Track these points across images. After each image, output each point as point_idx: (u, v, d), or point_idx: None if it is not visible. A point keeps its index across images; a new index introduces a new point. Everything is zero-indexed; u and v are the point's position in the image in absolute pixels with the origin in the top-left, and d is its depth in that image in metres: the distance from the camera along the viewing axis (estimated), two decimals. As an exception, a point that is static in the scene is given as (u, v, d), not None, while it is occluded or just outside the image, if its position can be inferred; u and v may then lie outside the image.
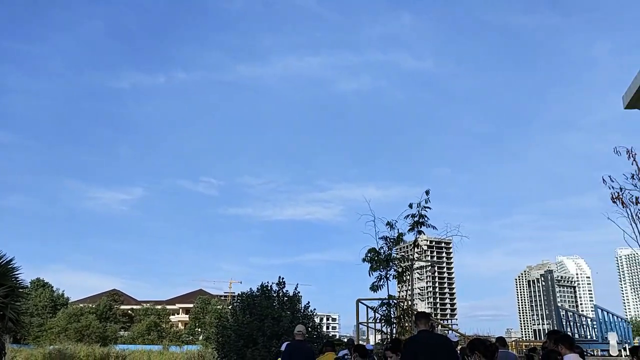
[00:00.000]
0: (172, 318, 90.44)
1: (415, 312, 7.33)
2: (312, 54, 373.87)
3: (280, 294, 19.51)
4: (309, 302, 20.28)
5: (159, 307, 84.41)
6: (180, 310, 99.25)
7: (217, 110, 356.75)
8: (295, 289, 20.41)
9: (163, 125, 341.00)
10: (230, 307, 27.32)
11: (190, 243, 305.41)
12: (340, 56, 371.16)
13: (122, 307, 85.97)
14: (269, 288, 19.51)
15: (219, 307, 70.21)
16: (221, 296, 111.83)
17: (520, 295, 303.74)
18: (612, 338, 25.20)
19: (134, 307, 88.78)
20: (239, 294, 21.26)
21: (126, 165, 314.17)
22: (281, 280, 19.88)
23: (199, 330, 72.01)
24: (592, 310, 30.43)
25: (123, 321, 79.83)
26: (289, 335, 15.75)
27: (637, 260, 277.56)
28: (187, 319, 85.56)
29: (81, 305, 76.62)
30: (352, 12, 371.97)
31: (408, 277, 12.09)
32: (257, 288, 19.55)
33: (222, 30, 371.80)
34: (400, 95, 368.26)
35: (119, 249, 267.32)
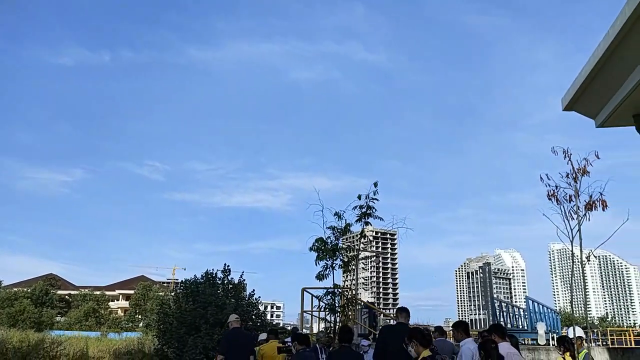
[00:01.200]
0: (112, 304, 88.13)
1: (399, 307, 7.93)
2: (266, 40, 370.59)
3: (225, 282, 19.37)
4: (253, 290, 20.29)
5: (98, 292, 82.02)
6: (120, 296, 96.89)
7: (165, 92, 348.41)
8: (241, 276, 20.35)
9: (107, 105, 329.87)
10: (173, 294, 26.90)
11: (133, 228, 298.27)
12: (294, 44, 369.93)
13: (60, 292, 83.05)
14: (214, 275, 19.33)
15: (161, 293, 68.96)
16: (164, 283, 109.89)
17: (460, 286, 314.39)
18: (541, 328, 26.48)
19: (72, 292, 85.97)
20: (182, 280, 20.96)
21: (66, 145, 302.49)
22: (226, 268, 19.75)
23: (140, 317, 70.56)
24: (524, 301, 31.96)
25: (60, 306, 77.13)
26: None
27: (567, 255, 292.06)
28: (127, 306, 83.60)
29: (15, 289, 73.42)
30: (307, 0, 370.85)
31: (353, 267, 12.29)
32: (202, 275, 19.34)
33: (172, 9, 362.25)
34: (353, 87, 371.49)
35: (57, 232, 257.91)
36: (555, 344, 9.53)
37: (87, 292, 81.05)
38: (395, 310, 7.99)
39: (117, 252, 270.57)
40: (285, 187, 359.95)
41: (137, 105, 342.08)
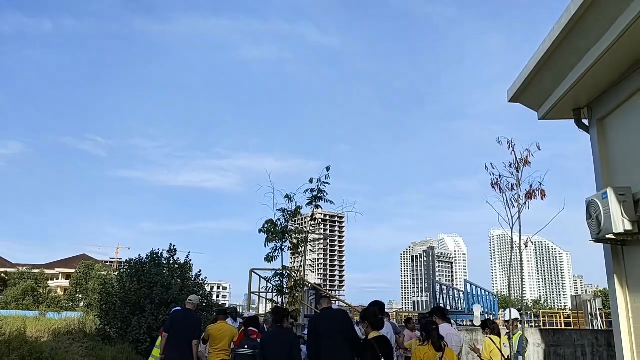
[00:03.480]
0: (51, 283, 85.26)
1: (320, 294, 8.21)
2: (216, 15, 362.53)
3: (171, 262, 19.10)
4: (200, 271, 20.13)
5: (37, 271, 79.10)
6: (60, 275, 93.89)
7: (108, 64, 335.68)
8: (187, 256, 20.12)
9: (46, 75, 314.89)
10: (116, 273, 26.31)
11: (74, 205, 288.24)
12: (245, 21, 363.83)
13: (-6, 270, 79.70)
14: (159, 255, 19.02)
15: (103, 273, 67.19)
16: (106, 262, 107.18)
17: (404, 269, 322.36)
18: (477, 310, 27.57)
19: (9, 270, 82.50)
20: (126, 260, 20.51)
21: (2, 116, 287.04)
22: (172, 248, 19.46)
23: (80, 296, 68.64)
24: (464, 285, 33.17)
25: (-5, 285, 74.08)
26: (178, 303, 15.58)
27: (507, 241, 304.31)
28: (68, 285, 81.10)
29: (-55, 267, 69.87)
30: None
31: (302, 249, 12.38)
32: (147, 255, 18.99)
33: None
34: (304, 69, 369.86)
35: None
36: (481, 328, 10.18)
37: (25, 270, 78.01)
38: (319, 300, 8.38)
39: (58, 229, 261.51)
40: (235, 168, 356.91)
41: (78, 76, 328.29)
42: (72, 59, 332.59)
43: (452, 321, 8.46)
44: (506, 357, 9.03)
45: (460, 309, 31.82)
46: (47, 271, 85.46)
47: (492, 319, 10.31)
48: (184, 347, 8.74)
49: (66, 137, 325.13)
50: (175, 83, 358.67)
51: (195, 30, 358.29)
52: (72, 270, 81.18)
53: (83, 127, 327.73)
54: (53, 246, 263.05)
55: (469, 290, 31.42)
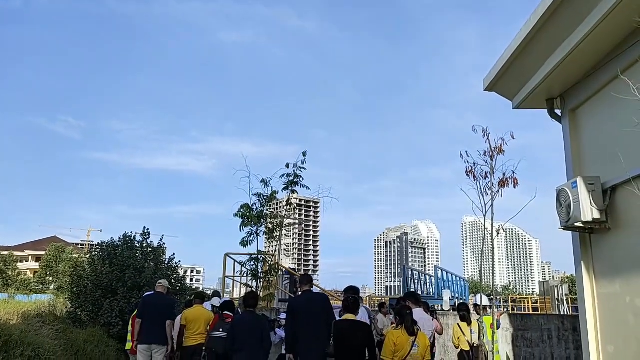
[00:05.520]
0: (20, 265, 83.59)
1: (301, 275, 8.00)
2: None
3: (144, 245, 18.87)
4: (174, 254, 19.91)
5: (6, 253, 77.41)
6: (30, 257, 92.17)
7: (83, 44, 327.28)
8: (161, 240, 19.91)
9: (15, 53, 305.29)
10: (88, 256, 25.89)
11: (45, 187, 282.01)
12: (222, 3, 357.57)
13: (-39, 252, 77.64)
14: (132, 238, 18.76)
15: (74, 255, 66.17)
16: (78, 245, 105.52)
17: (378, 254, 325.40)
18: (446, 295, 28.00)
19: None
20: (99, 243, 20.19)
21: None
22: (146, 231, 19.22)
23: (51, 279, 67.56)
24: (434, 270, 33.77)
25: (-39, 267, 72.19)
26: (151, 287, 15.46)
27: (479, 227, 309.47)
28: (38, 267, 79.65)
29: None
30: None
31: (277, 233, 12.39)
32: (120, 238, 18.72)
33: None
34: (282, 53, 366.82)
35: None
36: (457, 311, 10.41)
37: (-8, 253, 76.35)
38: (299, 279, 8.23)
39: (28, 211, 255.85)
40: (210, 152, 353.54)
41: (50, 54, 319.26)
42: (43, 38, 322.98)
43: (430, 306, 8.60)
44: (472, 344, 9.23)
45: (431, 293, 32.34)
46: (16, 253, 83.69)
47: (465, 303, 10.50)
48: (159, 329, 8.74)
49: (37, 118, 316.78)
50: (151, 65, 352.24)
51: (172, 11, 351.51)
52: (42, 253, 79.73)
53: (55, 108, 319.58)
54: (22, 228, 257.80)
55: (439, 276, 31.95)
